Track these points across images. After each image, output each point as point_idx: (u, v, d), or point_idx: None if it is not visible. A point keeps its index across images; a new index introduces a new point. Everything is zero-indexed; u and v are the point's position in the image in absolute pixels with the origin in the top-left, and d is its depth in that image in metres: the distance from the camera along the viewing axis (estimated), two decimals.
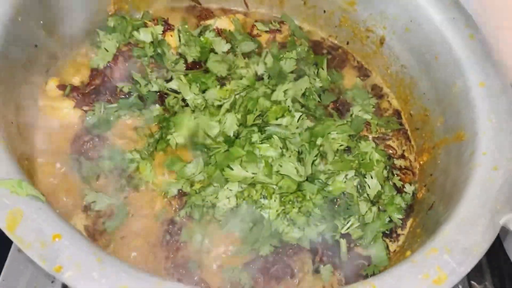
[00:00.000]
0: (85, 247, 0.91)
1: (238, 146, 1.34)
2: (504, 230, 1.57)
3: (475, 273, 1.62)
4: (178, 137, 1.39)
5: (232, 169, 1.29)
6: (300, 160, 1.35)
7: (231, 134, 1.37)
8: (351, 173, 1.39)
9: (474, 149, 1.23)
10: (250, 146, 1.33)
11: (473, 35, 1.40)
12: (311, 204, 1.31)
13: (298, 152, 1.36)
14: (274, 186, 1.31)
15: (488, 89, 1.30)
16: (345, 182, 1.37)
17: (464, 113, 1.33)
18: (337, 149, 1.44)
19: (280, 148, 1.32)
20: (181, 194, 1.35)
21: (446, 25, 1.43)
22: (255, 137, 1.34)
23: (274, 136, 1.34)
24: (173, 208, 1.34)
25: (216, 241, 1.28)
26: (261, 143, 1.33)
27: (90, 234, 1.28)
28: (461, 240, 1.05)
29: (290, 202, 1.30)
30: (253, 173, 1.29)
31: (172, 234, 1.30)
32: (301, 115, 1.41)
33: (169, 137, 1.38)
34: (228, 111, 1.41)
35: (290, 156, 1.31)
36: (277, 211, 1.27)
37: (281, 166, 1.29)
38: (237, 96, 1.46)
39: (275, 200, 1.28)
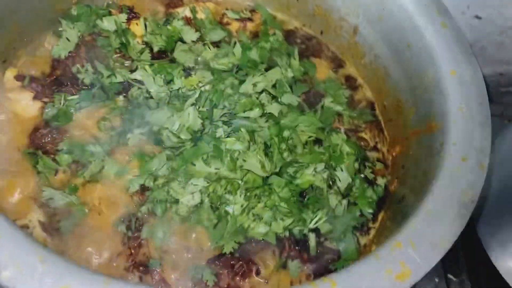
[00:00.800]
0: (26, 246, 0.85)
1: (204, 142, 1.28)
2: (476, 215, 1.55)
3: (452, 266, 1.59)
4: (139, 132, 1.33)
5: (195, 165, 1.23)
6: (267, 154, 1.30)
7: (196, 129, 1.31)
8: (321, 166, 1.35)
9: (444, 140, 1.19)
10: (216, 141, 1.27)
11: (445, 23, 1.36)
12: (277, 198, 1.26)
13: (266, 145, 1.31)
14: (240, 181, 1.26)
15: (459, 77, 1.27)
16: (314, 175, 1.32)
17: (436, 102, 1.29)
18: (306, 141, 1.39)
19: (248, 141, 1.27)
20: (144, 189, 1.30)
21: (418, 12, 1.39)
22: (220, 132, 1.29)
23: (242, 129, 1.29)
24: (135, 204, 1.28)
25: (178, 238, 1.23)
26: (228, 136, 1.28)
27: (47, 230, 1.22)
28: (427, 234, 1.01)
29: (256, 197, 1.25)
30: (216, 169, 1.24)
31: (133, 231, 1.25)
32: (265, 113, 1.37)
33: (128, 135, 1.33)
34: (192, 105, 1.35)
35: (255, 150, 1.26)
36: (241, 206, 1.22)
37: (245, 160, 1.24)
38: (202, 89, 1.40)
39: (240, 196, 1.23)
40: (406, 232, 1.02)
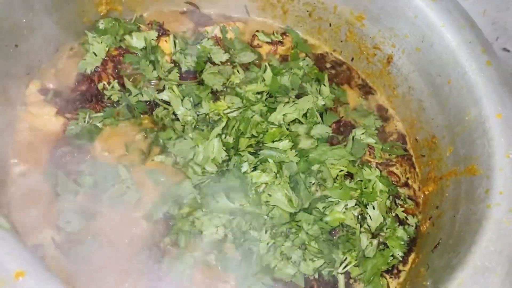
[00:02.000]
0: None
1: (228, 176, 1.24)
2: None
3: None
4: (163, 159, 1.28)
5: (218, 201, 1.18)
6: (294, 188, 1.24)
7: (220, 161, 1.26)
8: (352, 203, 1.29)
9: (489, 187, 1.13)
10: (241, 176, 1.22)
11: (490, 62, 1.30)
12: (306, 236, 1.19)
13: (293, 179, 1.26)
14: (265, 217, 1.20)
15: (506, 120, 1.21)
16: (344, 212, 1.26)
17: (478, 145, 1.23)
18: (337, 175, 1.33)
19: (275, 173, 1.21)
20: (167, 217, 1.23)
21: (461, 48, 1.34)
22: (245, 166, 1.24)
23: (270, 160, 1.23)
24: (158, 234, 1.22)
25: (201, 273, 1.16)
26: (255, 167, 1.22)
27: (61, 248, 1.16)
28: None
29: (283, 234, 1.19)
30: (241, 205, 1.18)
31: (154, 262, 1.18)
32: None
33: (157, 157, 1.27)
34: (218, 135, 1.29)
35: (280, 183, 1.20)
36: (267, 244, 1.15)
37: (270, 195, 1.18)
38: (230, 115, 1.35)
39: (266, 232, 1.17)
40: None
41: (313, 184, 1.32)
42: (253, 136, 1.36)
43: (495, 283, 0.96)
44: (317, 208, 1.28)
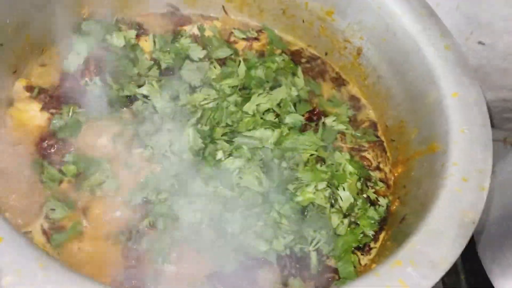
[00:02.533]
0: (28, 252, 0.86)
1: (204, 164, 1.32)
2: (478, 233, 1.55)
3: (451, 278, 1.58)
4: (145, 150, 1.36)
5: (193, 186, 1.25)
6: (268, 173, 1.32)
7: (196, 149, 1.34)
8: (322, 184, 1.35)
9: (445, 160, 1.20)
10: (216, 163, 1.30)
11: (448, 45, 1.38)
12: (277, 215, 1.26)
13: (266, 163, 1.33)
14: (239, 199, 1.27)
15: (461, 99, 1.28)
16: (314, 192, 1.33)
17: (438, 124, 1.30)
18: (308, 159, 1.40)
19: (248, 159, 1.29)
20: (146, 202, 1.30)
21: (421, 35, 1.42)
22: (220, 154, 1.31)
23: (244, 147, 1.31)
24: (136, 217, 1.29)
25: (177, 253, 1.23)
26: (230, 154, 1.30)
27: (47, 236, 1.23)
28: (428, 253, 1.01)
29: (256, 215, 1.26)
30: (214, 187, 1.25)
31: (133, 243, 1.25)
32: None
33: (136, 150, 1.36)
34: (194, 125, 1.37)
35: (251, 167, 1.27)
36: (241, 224, 1.22)
37: (241, 178, 1.25)
38: (206, 106, 1.43)
39: (239, 214, 1.24)
40: (406, 251, 1.02)
41: (285, 168, 1.40)
42: (228, 125, 1.44)
43: (446, 244, 1.02)
44: (288, 189, 1.35)
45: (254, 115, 1.44)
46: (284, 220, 1.28)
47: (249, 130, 1.43)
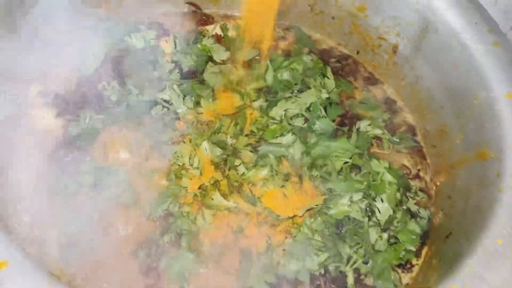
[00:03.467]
0: (35, 279, 0.77)
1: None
2: None
3: None
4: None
5: (212, 199, 1.16)
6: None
7: (217, 160, 1.27)
8: (358, 195, 1.23)
9: (501, 170, 1.07)
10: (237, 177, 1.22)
11: (497, 42, 1.25)
12: (309, 231, 1.15)
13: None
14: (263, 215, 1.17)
15: None
16: (349, 205, 1.21)
17: (488, 128, 1.17)
18: (342, 168, 1.28)
19: (272, 167, 1.18)
20: (167, 214, 1.21)
21: (467, 30, 1.28)
22: (242, 169, 1.22)
23: (270, 155, 1.20)
24: (157, 231, 1.19)
25: (201, 273, 1.13)
26: (253, 166, 1.19)
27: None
28: (486, 277, 0.89)
29: (283, 232, 1.15)
30: (235, 202, 1.16)
31: (152, 260, 1.15)
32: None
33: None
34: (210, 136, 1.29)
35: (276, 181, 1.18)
36: (267, 241, 1.11)
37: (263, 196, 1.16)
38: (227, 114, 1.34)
39: (263, 230, 1.14)
40: (462, 275, 0.90)
41: (316, 178, 1.29)
42: (252, 132, 1.34)
43: (507, 267, 0.89)
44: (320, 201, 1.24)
45: (281, 121, 1.33)
46: (317, 235, 1.17)
47: (276, 137, 1.33)
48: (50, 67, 1.41)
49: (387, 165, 1.29)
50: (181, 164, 1.25)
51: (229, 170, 1.24)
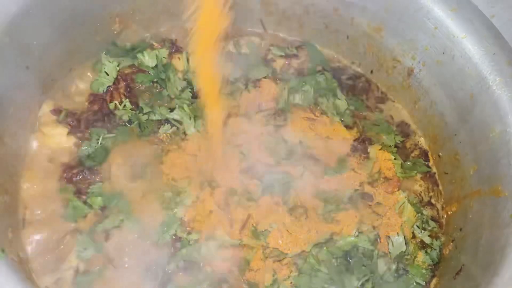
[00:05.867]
0: None
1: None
2: None
3: None
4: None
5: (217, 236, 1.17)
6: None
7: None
8: (366, 226, 1.22)
9: None
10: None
11: None
12: (315, 261, 1.14)
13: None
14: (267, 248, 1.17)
15: None
16: (357, 235, 1.20)
17: (503, 164, 1.15)
18: (351, 196, 1.27)
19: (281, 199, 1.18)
20: (175, 240, 1.21)
21: (484, 60, 1.25)
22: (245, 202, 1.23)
23: (275, 185, 1.19)
24: (164, 256, 1.19)
25: None
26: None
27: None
28: None
29: (288, 264, 1.14)
30: (239, 239, 1.17)
31: (159, 285, 1.15)
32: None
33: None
34: None
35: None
36: (273, 275, 1.10)
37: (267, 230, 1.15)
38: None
39: (268, 263, 1.13)
40: None
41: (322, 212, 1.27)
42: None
43: None
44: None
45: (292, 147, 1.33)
46: (323, 267, 1.16)
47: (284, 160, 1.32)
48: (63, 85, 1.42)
49: (405, 196, 1.28)
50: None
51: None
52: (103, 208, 1.24)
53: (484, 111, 1.25)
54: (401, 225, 1.29)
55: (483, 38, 1.27)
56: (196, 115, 1.38)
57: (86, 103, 1.42)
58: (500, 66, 1.23)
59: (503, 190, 1.12)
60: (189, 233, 1.19)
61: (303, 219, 1.19)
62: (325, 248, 1.18)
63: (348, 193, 1.29)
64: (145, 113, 1.39)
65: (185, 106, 1.39)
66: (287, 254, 1.16)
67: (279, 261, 1.14)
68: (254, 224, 1.19)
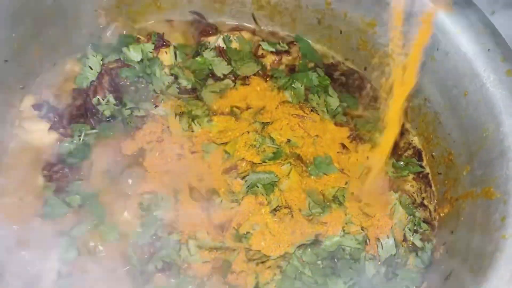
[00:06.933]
0: None
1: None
2: None
3: None
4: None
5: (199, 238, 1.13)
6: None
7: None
8: (354, 227, 1.18)
9: (506, 214, 1.00)
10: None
11: (511, 71, 1.17)
12: (299, 264, 1.10)
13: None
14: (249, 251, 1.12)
15: None
16: (343, 235, 1.16)
17: (496, 165, 1.10)
18: (335, 194, 1.23)
19: (265, 199, 1.13)
20: (155, 240, 1.17)
21: (479, 57, 1.20)
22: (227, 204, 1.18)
23: (258, 185, 1.15)
24: (144, 256, 1.15)
25: None
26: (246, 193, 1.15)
27: None
28: None
29: (271, 267, 1.09)
30: (220, 242, 1.12)
31: (139, 285, 1.12)
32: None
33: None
34: None
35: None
36: (255, 277, 1.06)
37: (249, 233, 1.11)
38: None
39: (251, 266, 1.09)
40: None
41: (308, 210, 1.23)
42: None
43: None
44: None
45: (279, 145, 1.28)
46: (307, 269, 1.11)
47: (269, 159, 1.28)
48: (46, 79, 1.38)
49: (397, 197, 1.24)
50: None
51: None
52: (81, 206, 1.20)
53: (477, 110, 1.20)
54: (391, 227, 1.24)
55: (477, 34, 1.22)
56: (182, 111, 1.34)
57: (69, 98, 1.38)
58: (495, 63, 1.18)
59: (495, 192, 1.07)
60: (169, 233, 1.15)
61: (287, 220, 1.15)
62: (309, 249, 1.14)
63: (336, 193, 1.24)
64: (128, 108, 1.35)
65: (170, 103, 1.35)
66: (270, 256, 1.11)
67: (262, 263, 1.10)
68: (236, 226, 1.14)
